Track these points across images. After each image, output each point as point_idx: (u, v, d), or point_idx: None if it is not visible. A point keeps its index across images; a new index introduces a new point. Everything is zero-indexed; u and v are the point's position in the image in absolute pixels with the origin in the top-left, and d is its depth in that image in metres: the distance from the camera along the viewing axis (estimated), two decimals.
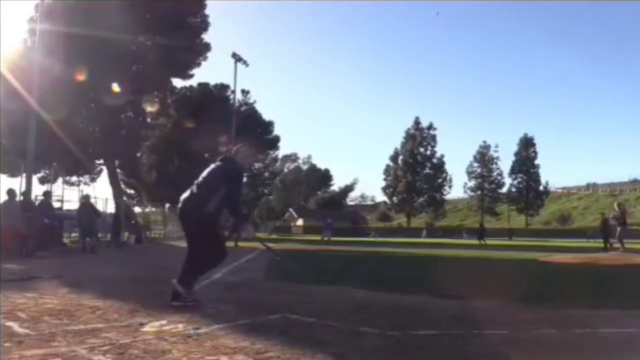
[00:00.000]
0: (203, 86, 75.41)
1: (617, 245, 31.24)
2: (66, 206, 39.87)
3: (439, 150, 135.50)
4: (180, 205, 9.48)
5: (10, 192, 26.38)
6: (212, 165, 9.71)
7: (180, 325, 7.00)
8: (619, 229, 31.45)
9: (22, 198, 29.68)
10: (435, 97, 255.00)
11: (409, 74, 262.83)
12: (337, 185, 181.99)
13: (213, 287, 11.93)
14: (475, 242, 56.45)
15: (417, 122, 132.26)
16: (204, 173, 9.58)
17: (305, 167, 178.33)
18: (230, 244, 28.93)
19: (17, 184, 41.35)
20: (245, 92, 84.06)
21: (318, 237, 59.25)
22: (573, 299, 9.66)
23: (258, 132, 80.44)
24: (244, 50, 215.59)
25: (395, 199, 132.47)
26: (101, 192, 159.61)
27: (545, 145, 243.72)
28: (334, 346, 5.98)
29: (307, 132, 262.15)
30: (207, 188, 9.22)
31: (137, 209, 74.06)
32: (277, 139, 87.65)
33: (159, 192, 70.41)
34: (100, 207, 43.60)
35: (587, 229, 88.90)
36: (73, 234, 37.75)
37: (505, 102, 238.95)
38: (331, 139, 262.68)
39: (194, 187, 9.41)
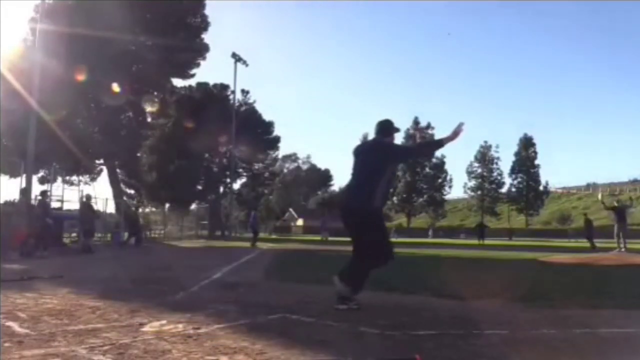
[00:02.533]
0: (203, 86, 75.47)
1: (611, 245, 31.23)
2: (66, 206, 39.80)
3: (440, 150, 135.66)
4: (343, 202, 9.27)
5: (24, 192, 26.55)
6: (361, 152, 9.17)
7: (180, 325, 7.00)
8: (615, 226, 31.42)
9: (19, 197, 29.71)
10: (435, 97, 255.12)
11: (409, 74, 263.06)
12: (337, 185, 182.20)
13: (213, 287, 11.94)
14: (475, 242, 56.52)
15: (416, 121, 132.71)
16: (357, 162, 9.04)
17: (305, 167, 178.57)
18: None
19: (17, 184, 41.41)
20: (245, 92, 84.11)
21: (318, 237, 59.11)
22: (573, 299, 9.65)
23: (258, 132, 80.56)
24: (244, 50, 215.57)
25: (395, 199, 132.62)
26: (101, 192, 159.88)
27: (545, 145, 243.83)
28: (334, 346, 5.98)
29: (307, 132, 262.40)
30: (369, 174, 8.75)
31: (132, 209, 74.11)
32: (277, 139, 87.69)
33: (159, 192, 70.44)
34: (100, 207, 43.62)
35: (569, 229, 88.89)
36: (73, 234, 37.68)
37: (505, 102, 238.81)
38: (331, 139, 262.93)
39: (352, 180, 9.07)
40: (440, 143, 8.67)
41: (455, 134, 8.41)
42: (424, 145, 8.07)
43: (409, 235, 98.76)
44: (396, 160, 8.77)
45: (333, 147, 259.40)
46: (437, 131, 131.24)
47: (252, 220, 45.14)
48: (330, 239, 53.30)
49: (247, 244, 39.45)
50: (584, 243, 41.13)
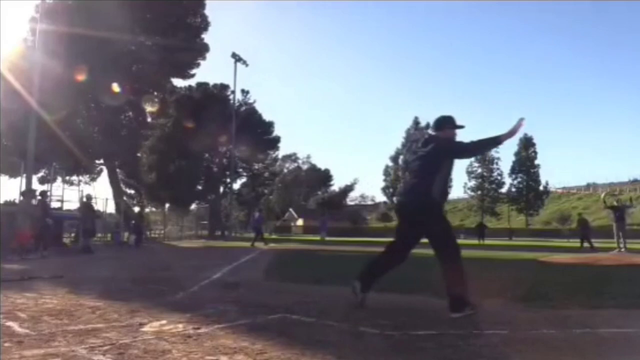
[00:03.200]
0: (203, 86, 75.47)
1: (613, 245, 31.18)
2: (66, 206, 39.83)
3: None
4: (400, 199, 9.13)
5: (41, 194, 26.60)
6: (420, 150, 8.79)
7: (180, 325, 7.00)
8: (614, 225, 31.41)
9: (22, 198, 29.72)
10: (435, 97, 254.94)
11: (409, 74, 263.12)
12: (337, 185, 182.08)
13: (213, 287, 11.94)
14: (475, 241, 56.44)
15: (416, 122, 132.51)
16: (415, 158, 8.80)
17: (305, 167, 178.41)
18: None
19: (17, 184, 41.42)
20: (245, 92, 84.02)
21: (317, 237, 59.06)
22: (573, 299, 9.64)
23: (258, 132, 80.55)
24: (244, 50, 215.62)
25: (395, 199, 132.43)
26: (101, 192, 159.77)
27: (545, 145, 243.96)
28: (334, 346, 5.97)
29: (307, 132, 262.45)
30: (425, 170, 8.55)
31: (137, 209, 74.10)
32: (277, 139, 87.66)
33: (158, 192, 70.44)
34: (100, 207, 43.63)
35: (563, 229, 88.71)
36: (72, 234, 37.68)
37: (505, 101, 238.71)
38: (331, 139, 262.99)
39: (409, 177, 8.93)
40: (498, 140, 8.40)
41: (514, 130, 8.29)
42: (481, 143, 7.56)
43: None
44: (452, 157, 8.61)
45: (333, 147, 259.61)
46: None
47: (257, 220, 44.95)
48: (327, 239, 52.97)
49: (248, 244, 39.43)
50: (577, 243, 40.96)
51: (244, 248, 33.97)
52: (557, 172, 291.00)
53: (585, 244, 38.16)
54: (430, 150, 8.53)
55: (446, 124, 8.86)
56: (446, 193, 8.91)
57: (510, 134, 8.23)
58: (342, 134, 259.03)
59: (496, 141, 8.37)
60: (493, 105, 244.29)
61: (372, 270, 9.34)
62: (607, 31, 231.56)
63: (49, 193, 33.79)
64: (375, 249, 35.47)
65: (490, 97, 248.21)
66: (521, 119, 8.19)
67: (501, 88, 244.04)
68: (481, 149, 8.42)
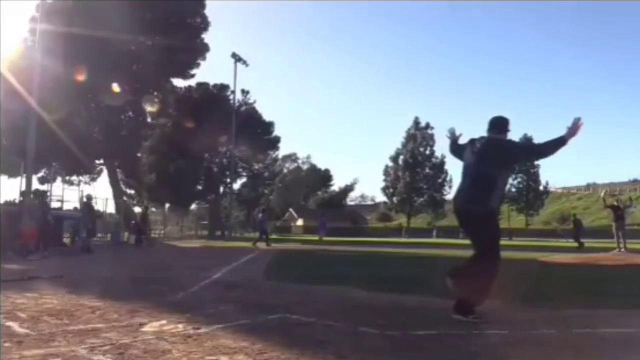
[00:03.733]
0: (203, 86, 75.29)
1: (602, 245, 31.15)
2: (66, 206, 39.83)
3: (440, 150, 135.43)
4: (458, 203, 8.79)
5: (35, 193, 26.67)
6: (476, 150, 8.57)
7: (180, 325, 7.01)
8: (614, 225, 31.40)
9: (21, 198, 29.75)
10: (435, 97, 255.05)
11: (409, 74, 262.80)
12: (337, 185, 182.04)
13: (213, 287, 11.96)
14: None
15: (416, 122, 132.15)
16: (477, 161, 8.49)
17: (305, 167, 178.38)
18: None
19: (17, 184, 41.44)
20: (245, 92, 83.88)
21: (316, 237, 58.91)
22: (573, 299, 9.65)
23: (258, 132, 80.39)
24: (244, 50, 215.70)
25: (395, 199, 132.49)
26: (101, 192, 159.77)
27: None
28: (334, 346, 5.98)
29: (307, 132, 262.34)
30: (487, 174, 8.34)
31: (136, 209, 74.05)
32: (277, 139, 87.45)
33: (158, 192, 70.39)
34: (100, 207, 43.69)
35: (558, 229, 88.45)
36: (71, 234, 37.66)
37: (504, 103, 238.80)
38: (331, 139, 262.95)
39: (467, 180, 8.62)
40: (563, 141, 8.25)
41: (575, 129, 8.16)
42: (550, 145, 7.31)
43: (410, 235, 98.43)
44: (516, 160, 8.47)
45: (333, 148, 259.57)
46: (438, 131, 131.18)
47: (261, 220, 44.84)
48: (326, 238, 52.73)
49: (248, 244, 39.43)
50: (574, 243, 40.94)
51: (244, 248, 33.96)
52: (557, 172, 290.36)
53: (576, 243, 38.20)
54: (494, 153, 8.41)
55: (507, 125, 8.74)
56: (503, 197, 8.77)
57: (572, 133, 8.07)
58: (342, 134, 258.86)
59: (562, 142, 8.17)
60: (492, 105, 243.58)
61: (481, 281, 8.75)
62: (606, 31, 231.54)
63: (48, 193, 33.83)
64: (375, 249, 35.65)
65: (490, 97, 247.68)
66: (577, 118, 8.11)
67: (500, 88, 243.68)
68: (550, 150, 8.19)
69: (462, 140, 9.17)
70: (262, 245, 37.51)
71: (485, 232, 8.50)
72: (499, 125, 8.71)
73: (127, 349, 5.68)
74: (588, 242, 40.53)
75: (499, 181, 8.34)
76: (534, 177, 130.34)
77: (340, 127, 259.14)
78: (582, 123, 8.07)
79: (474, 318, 8.00)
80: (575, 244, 38.42)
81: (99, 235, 42.10)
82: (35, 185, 44.56)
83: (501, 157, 8.39)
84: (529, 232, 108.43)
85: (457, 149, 9.22)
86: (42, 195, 29.24)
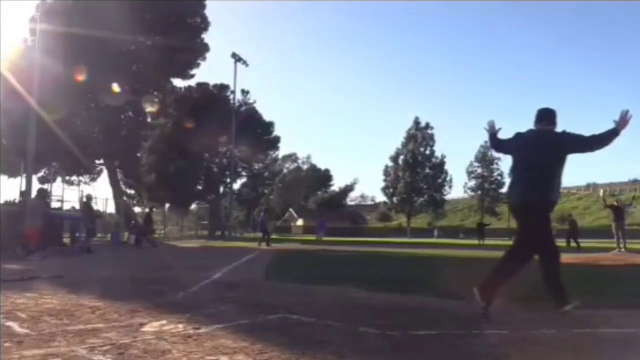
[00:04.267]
0: (203, 86, 75.29)
1: (616, 245, 31.04)
2: (66, 206, 39.80)
3: (440, 150, 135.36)
4: (519, 196, 8.57)
5: (40, 192, 26.67)
6: (532, 143, 8.47)
7: (180, 325, 7.00)
8: (613, 225, 31.34)
9: (22, 198, 29.74)
10: (435, 97, 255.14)
11: (409, 74, 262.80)
12: (337, 185, 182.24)
13: (213, 287, 11.95)
14: (475, 242, 56.41)
15: (417, 122, 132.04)
16: (529, 153, 8.42)
17: (305, 167, 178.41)
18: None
19: (17, 184, 41.42)
20: (245, 92, 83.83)
21: (315, 238, 58.68)
22: (573, 299, 9.65)
23: (258, 132, 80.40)
24: (244, 50, 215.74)
25: (395, 199, 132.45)
26: (101, 192, 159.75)
27: None
28: (334, 346, 5.98)
29: (307, 132, 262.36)
30: (547, 166, 8.25)
31: (136, 209, 74.05)
32: (277, 139, 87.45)
33: (158, 192, 70.37)
34: (100, 207, 43.68)
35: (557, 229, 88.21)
36: (69, 234, 37.59)
37: (504, 102, 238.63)
38: (331, 139, 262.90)
39: (526, 172, 8.41)
40: (616, 132, 8.05)
41: (625, 120, 8.06)
42: (602, 136, 7.17)
43: (402, 236, 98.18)
44: (573, 151, 8.32)
45: (333, 148, 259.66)
46: (439, 131, 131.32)
47: (262, 220, 44.80)
48: (325, 238, 52.59)
49: (248, 244, 39.45)
50: (583, 243, 40.77)
51: (244, 248, 33.98)
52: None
53: (572, 243, 38.01)
54: (554, 146, 8.35)
55: (556, 117, 8.68)
56: (560, 190, 8.67)
57: (624, 123, 8.15)
58: (342, 134, 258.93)
59: (615, 133, 8.21)
60: (492, 104, 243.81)
61: (496, 279, 8.68)
62: (607, 31, 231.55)
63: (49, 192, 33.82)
64: (375, 249, 35.63)
65: (489, 97, 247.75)
66: (625, 111, 8.05)
67: (500, 87, 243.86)
68: (606, 141, 8.11)
69: (501, 134, 9.08)
70: (263, 245, 37.57)
71: (548, 226, 8.64)
72: (549, 117, 8.65)
73: (127, 349, 5.68)
74: (588, 243, 40.53)
75: (558, 173, 8.33)
76: None
77: (341, 127, 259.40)
78: (631, 116, 8.15)
79: (574, 303, 8.25)
80: (564, 244, 38.18)
81: (99, 235, 42.08)
82: (35, 185, 44.59)
83: (559, 148, 8.34)
84: None
85: (500, 143, 9.14)
86: (46, 195, 29.16)
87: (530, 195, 8.29)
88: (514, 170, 8.69)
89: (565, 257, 23.37)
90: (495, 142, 9.20)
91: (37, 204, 25.93)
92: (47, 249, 25.16)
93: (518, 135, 8.71)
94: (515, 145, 8.72)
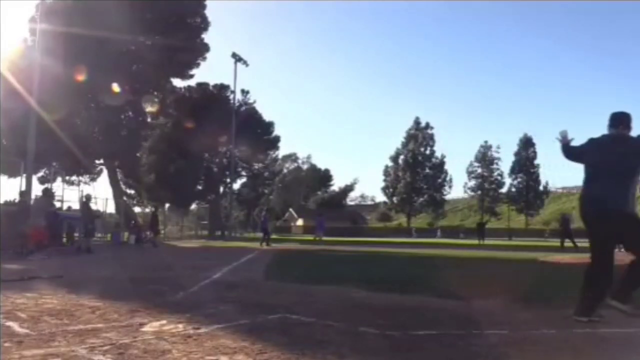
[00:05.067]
0: (203, 86, 75.19)
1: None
2: (66, 206, 39.80)
3: (440, 150, 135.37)
4: (594, 204, 8.20)
5: (46, 192, 26.74)
6: (610, 149, 8.14)
7: (180, 325, 7.01)
8: None
9: (20, 198, 29.77)
10: (435, 97, 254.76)
11: (409, 74, 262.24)
12: (337, 185, 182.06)
13: (213, 287, 11.96)
14: (475, 242, 56.35)
15: (417, 122, 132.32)
16: (607, 159, 8.10)
17: (305, 167, 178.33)
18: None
19: (17, 184, 41.42)
20: (245, 92, 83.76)
21: (317, 238, 58.48)
22: (573, 299, 9.63)
23: (258, 132, 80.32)
24: (244, 50, 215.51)
25: (395, 199, 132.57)
26: (101, 192, 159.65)
27: (545, 144, 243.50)
28: (334, 346, 5.98)
29: (307, 132, 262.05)
30: (627, 173, 8.00)
31: (137, 209, 74.01)
32: (277, 139, 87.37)
33: (158, 192, 70.31)
34: (100, 207, 43.69)
35: (547, 230, 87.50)
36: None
37: (505, 102, 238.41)
38: (331, 139, 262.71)
39: (604, 180, 8.08)
40: None
41: None
42: None
43: (405, 236, 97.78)
44: None
45: (333, 148, 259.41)
46: (439, 131, 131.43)
47: (263, 220, 44.79)
48: (325, 238, 52.48)
49: (248, 244, 39.49)
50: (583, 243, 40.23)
51: (244, 248, 33.98)
52: (557, 171, 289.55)
53: (568, 243, 37.42)
54: (633, 150, 8.09)
55: (631, 121, 8.33)
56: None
57: None
58: (342, 135, 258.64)
59: None
60: (493, 104, 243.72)
61: (593, 295, 8.51)
62: (608, 29, 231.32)
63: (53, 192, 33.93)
64: (375, 249, 35.64)
65: (490, 97, 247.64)
66: None
67: (501, 88, 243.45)
68: None
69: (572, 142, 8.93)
70: (264, 245, 37.61)
71: (635, 235, 8.05)
72: (624, 121, 8.37)
73: (127, 349, 5.69)
74: (560, 242, 40.20)
75: (637, 179, 8.11)
76: (534, 177, 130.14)
77: (341, 127, 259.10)
78: None
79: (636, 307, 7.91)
80: (567, 244, 37.72)
81: (99, 235, 42.06)
82: (35, 185, 44.61)
83: (638, 153, 8.12)
84: (529, 232, 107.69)
85: (573, 152, 8.68)
86: (51, 195, 29.26)
87: (610, 203, 8.01)
88: (588, 178, 8.41)
89: (563, 258, 23.29)
90: (568, 151, 8.98)
91: (42, 203, 26.01)
92: (49, 248, 25.22)
93: (592, 141, 8.40)
94: (591, 151, 8.46)
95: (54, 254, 24.04)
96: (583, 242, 38.11)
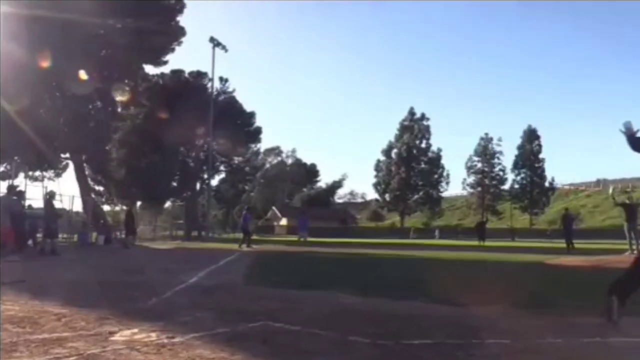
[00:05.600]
0: (177, 73, 75.22)
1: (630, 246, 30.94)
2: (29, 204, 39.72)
3: (436, 143, 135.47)
4: None
5: (11, 189, 26.63)
6: None
7: (153, 334, 7.00)
8: (625, 225, 31.25)
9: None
10: (430, 86, 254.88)
11: (402, 61, 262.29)
12: (324, 181, 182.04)
13: (189, 292, 11.95)
14: (475, 242, 56.34)
15: (411, 112, 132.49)
16: None
17: (289, 161, 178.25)
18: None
19: None
20: (223, 80, 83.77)
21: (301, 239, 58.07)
22: (581, 306, 9.66)
23: (238, 123, 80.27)
24: (223, 34, 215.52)
25: (387, 196, 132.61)
26: (67, 189, 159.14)
27: (551, 137, 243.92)
28: (320, 356, 5.99)
29: (292, 124, 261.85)
30: None
31: (106, 207, 73.99)
32: (258, 131, 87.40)
33: (129, 188, 70.26)
34: (66, 205, 43.56)
35: (548, 230, 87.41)
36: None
37: (507, 91, 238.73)
38: (318, 131, 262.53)
39: None
40: None
41: None
42: None
43: (401, 236, 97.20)
44: None
45: (320, 141, 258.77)
46: (435, 123, 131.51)
47: (244, 219, 44.69)
48: (310, 239, 52.09)
49: (227, 245, 39.52)
50: (594, 244, 40.30)
51: (223, 250, 33.96)
52: (564, 167, 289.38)
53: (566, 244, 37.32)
54: None
55: None
56: None
57: None
58: (330, 126, 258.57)
59: None
60: (494, 95, 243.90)
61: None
62: (618, 15, 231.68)
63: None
64: (365, 250, 35.66)
65: (491, 84, 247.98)
66: None
67: (503, 77, 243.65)
68: None
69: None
70: (244, 246, 37.56)
71: None
72: None
73: (96, 359, 5.68)
74: (597, 244, 40.29)
75: None
76: (538, 173, 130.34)
77: (328, 119, 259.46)
78: None
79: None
80: (566, 245, 37.34)
81: (65, 235, 41.98)
82: None
83: None
84: (534, 232, 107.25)
85: None
86: (19, 194, 29.20)
87: None
88: None
89: (571, 260, 23.30)
90: (635, 143, 9.04)
91: (7, 201, 25.97)
92: (19, 251, 25.24)
93: None
94: None
95: (21, 257, 24.03)
96: (596, 244, 38.06)
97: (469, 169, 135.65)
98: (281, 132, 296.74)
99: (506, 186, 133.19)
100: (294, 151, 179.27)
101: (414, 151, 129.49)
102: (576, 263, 23.72)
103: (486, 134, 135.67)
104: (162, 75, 72.90)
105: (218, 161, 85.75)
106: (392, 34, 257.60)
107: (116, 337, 6.84)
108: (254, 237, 53.87)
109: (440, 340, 7.05)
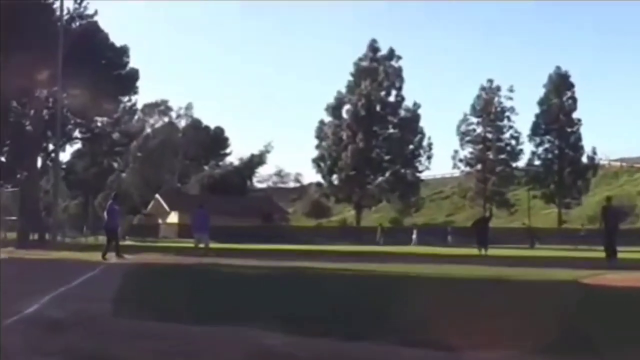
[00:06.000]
0: None
1: None
2: None
3: (412, 96, 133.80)
4: None
5: None
6: None
7: None
8: None
9: None
10: (402, 6, 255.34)
11: None
12: (236, 155, 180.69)
13: (25, 328, 11.93)
14: (474, 251, 56.25)
15: (373, 48, 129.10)
16: None
17: (182, 123, 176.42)
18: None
19: None
20: None
21: (191, 244, 57.00)
22: (632, 348, 9.79)
23: (102, 63, 79.71)
24: None
25: (335, 178, 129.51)
26: None
27: (590, 87, 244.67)
28: None
29: (187, 69, 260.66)
30: None
31: None
32: (134, 76, 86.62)
33: None
34: None
35: (582, 229, 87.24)
36: None
37: (520, 11, 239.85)
38: (226, 80, 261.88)
39: None
40: None
41: None
42: None
43: (357, 240, 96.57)
44: None
45: (229, 95, 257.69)
46: (407, 64, 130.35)
47: (111, 213, 44.07)
48: (212, 246, 50.62)
49: (85, 255, 39.55)
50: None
51: (80, 261, 34.00)
52: (611, 133, 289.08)
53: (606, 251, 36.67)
54: None
55: None
56: None
57: None
58: (245, 71, 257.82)
59: None
60: (498, 19, 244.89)
61: None
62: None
63: None
64: (302, 263, 35.83)
65: (493, 6, 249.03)
66: None
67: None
68: None
69: None
70: (111, 257, 37.31)
71: None
72: None
73: None
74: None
75: None
76: (571, 142, 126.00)
77: (241, 61, 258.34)
78: None
79: None
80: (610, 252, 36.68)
81: None
82: None
83: None
84: (564, 233, 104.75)
85: None
86: None
87: None
88: None
89: (616, 279, 23.61)
90: None
91: None
92: None
93: None
94: None
95: None
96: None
97: (464, 135, 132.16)
98: (170, 81, 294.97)
99: (521, 162, 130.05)
100: (189, 108, 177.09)
101: (378, 108, 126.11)
102: (626, 283, 23.84)
103: (490, 80, 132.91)
104: None
105: (71, 123, 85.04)
106: None
107: None
108: (127, 242, 53.61)
109: None
